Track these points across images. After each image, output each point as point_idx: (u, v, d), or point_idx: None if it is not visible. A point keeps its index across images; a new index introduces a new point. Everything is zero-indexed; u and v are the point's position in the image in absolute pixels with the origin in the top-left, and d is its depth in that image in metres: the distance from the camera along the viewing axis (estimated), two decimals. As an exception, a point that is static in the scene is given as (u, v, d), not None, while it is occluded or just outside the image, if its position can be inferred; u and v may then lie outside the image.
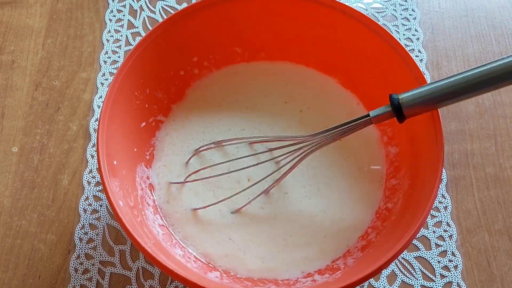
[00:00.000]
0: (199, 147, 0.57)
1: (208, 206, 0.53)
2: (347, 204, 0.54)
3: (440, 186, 0.58)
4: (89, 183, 0.59)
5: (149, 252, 0.43)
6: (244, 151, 0.57)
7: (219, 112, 0.59)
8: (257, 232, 0.53)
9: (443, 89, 0.44)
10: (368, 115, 0.47)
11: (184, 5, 0.69)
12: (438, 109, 0.47)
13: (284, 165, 0.54)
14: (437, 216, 0.57)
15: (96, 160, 0.59)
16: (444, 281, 0.54)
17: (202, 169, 0.55)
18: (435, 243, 0.56)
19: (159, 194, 0.55)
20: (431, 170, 0.46)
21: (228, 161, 0.55)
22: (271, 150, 0.55)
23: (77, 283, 0.54)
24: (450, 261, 0.55)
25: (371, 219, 0.53)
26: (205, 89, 0.60)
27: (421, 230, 0.56)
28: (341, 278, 0.47)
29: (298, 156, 0.52)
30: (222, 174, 0.54)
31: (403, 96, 0.46)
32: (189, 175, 0.55)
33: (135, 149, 0.54)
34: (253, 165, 0.54)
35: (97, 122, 0.61)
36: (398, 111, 0.46)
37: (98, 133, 0.47)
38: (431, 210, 0.57)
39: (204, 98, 0.60)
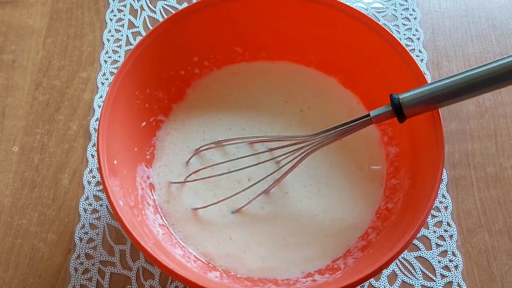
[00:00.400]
0: (200, 147, 0.57)
1: (209, 205, 0.53)
2: (348, 204, 0.54)
3: (440, 186, 0.58)
4: (89, 182, 0.59)
5: (149, 252, 0.43)
6: (245, 151, 0.57)
7: (219, 111, 0.59)
8: (258, 232, 0.53)
9: (444, 89, 0.44)
10: (369, 115, 0.47)
11: (185, 4, 0.69)
12: (439, 109, 0.47)
13: (284, 165, 0.54)
14: (437, 216, 0.57)
15: (96, 160, 0.59)
16: (445, 281, 0.54)
17: (202, 168, 0.55)
18: (436, 243, 0.56)
19: (159, 193, 0.55)
20: (431, 170, 0.46)
21: (229, 161, 0.55)
22: (271, 150, 0.55)
23: (77, 282, 0.54)
24: (450, 261, 0.55)
25: (372, 219, 0.53)
26: (205, 89, 0.60)
27: (421, 230, 0.56)
28: (341, 278, 0.47)
29: (298, 156, 0.52)
30: (223, 174, 0.54)
31: (404, 96, 0.46)
32: (190, 174, 0.55)
33: (136, 149, 0.54)
34: (254, 165, 0.54)
35: (97, 122, 0.61)
36: (399, 111, 0.46)
37: (98, 132, 0.47)
38: (432, 210, 0.57)
39: (205, 98, 0.60)
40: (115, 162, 0.49)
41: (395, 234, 0.47)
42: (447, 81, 0.44)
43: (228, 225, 0.54)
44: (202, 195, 0.55)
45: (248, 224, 0.54)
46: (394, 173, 0.54)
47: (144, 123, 0.55)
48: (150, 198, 0.54)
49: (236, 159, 0.55)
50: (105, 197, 0.57)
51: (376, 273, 0.42)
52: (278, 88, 0.60)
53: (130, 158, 0.53)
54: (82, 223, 0.56)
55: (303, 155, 0.52)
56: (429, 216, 0.57)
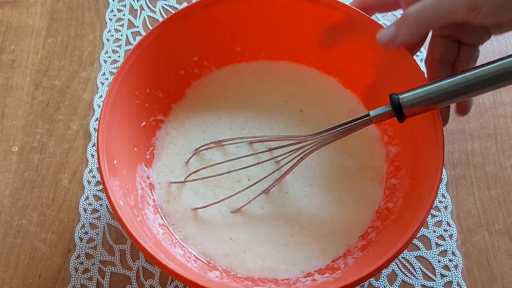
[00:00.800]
0: (199, 147, 0.57)
1: (209, 205, 0.53)
2: (348, 204, 0.54)
3: (440, 186, 0.58)
4: (89, 182, 0.59)
5: (149, 251, 0.43)
6: (245, 151, 0.57)
7: (219, 111, 0.59)
8: (257, 232, 0.53)
9: (444, 89, 0.44)
10: (368, 115, 0.47)
11: (184, 4, 0.69)
12: (438, 109, 0.47)
13: (284, 165, 0.54)
14: (437, 216, 0.57)
15: (96, 160, 0.59)
16: (445, 280, 0.54)
17: (202, 168, 0.55)
18: (436, 242, 0.56)
19: (159, 193, 0.55)
20: (431, 170, 0.46)
21: (228, 160, 0.55)
22: (271, 149, 0.55)
23: (77, 282, 0.54)
24: (450, 260, 0.55)
25: (372, 218, 0.53)
26: (205, 88, 0.60)
27: (421, 229, 0.56)
28: (341, 278, 0.47)
29: (298, 155, 0.52)
30: (222, 173, 0.54)
31: (404, 96, 0.46)
32: (189, 174, 0.55)
33: (135, 149, 0.54)
34: (253, 165, 0.54)
35: (97, 122, 0.61)
36: (398, 110, 0.46)
37: (98, 132, 0.47)
38: (432, 210, 0.57)
39: (205, 98, 0.60)
40: (115, 162, 0.49)
41: (395, 233, 0.47)
42: (447, 81, 0.44)
43: (228, 225, 0.54)
44: (202, 195, 0.55)
45: (248, 224, 0.54)
46: (394, 172, 0.54)
47: (144, 123, 0.55)
48: (150, 198, 0.54)
49: (236, 158, 0.55)
50: (105, 197, 0.57)
51: (376, 273, 0.42)
52: (278, 88, 0.60)
53: (130, 158, 0.53)
54: (82, 223, 0.56)
55: (303, 154, 0.52)
56: (429, 216, 0.57)
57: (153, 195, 0.55)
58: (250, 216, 0.54)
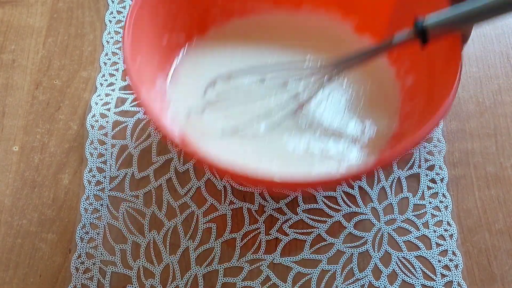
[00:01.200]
0: (215, 78, 0.56)
1: (224, 136, 0.53)
2: (367, 124, 0.55)
3: (441, 186, 0.58)
4: (89, 182, 0.58)
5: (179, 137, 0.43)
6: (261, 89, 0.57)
7: (234, 62, 0.58)
8: (271, 149, 0.53)
9: (470, 13, 0.44)
10: (391, 41, 0.48)
11: None
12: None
13: (302, 95, 0.54)
14: (437, 216, 0.57)
15: (95, 158, 0.59)
16: (445, 280, 0.54)
17: (217, 103, 0.55)
18: (436, 242, 0.56)
19: (176, 120, 0.55)
20: (448, 76, 0.46)
21: (245, 94, 0.55)
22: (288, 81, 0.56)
23: (78, 282, 0.54)
24: (450, 260, 0.55)
25: (395, 126, 0.55)
26: (227, 33, 0.60)
27: (422, 229, 0.56)
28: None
29: (318, 84, 0.53)
30: (240, 106, 0.54)
31: (428, 22, 0.45)
32: (204, 106, 0.55)
33: (156, 64, 0.54)
34: (271, 96, 0.54)
35: (94, 119, 0.61)
36: (422, 36, 0.46)
37: (125, 28, 0.47)
38: (432, 210, 0.57)
39: (224, 44, 0.60)
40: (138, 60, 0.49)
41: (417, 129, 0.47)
42: (471, 6, 0.44)
43: (241, 138, 0.53)
44: (219, 125, 0.54)
45: (260, 140, 0.54)
46: (410, 96, 0.55)
47: (165, 41, 0.55)
48: (166, 110, 0.54)
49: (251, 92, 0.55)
50: (106, 197, 0.57)
51: (395, 157, 0.44)
52: (297, 41, 0.60)
53: (149, 71, 0.52)
54: (83, 222, 0.56)
55: (323, 83, 0.52)
56: (429, 216, 0.57)
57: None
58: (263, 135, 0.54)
